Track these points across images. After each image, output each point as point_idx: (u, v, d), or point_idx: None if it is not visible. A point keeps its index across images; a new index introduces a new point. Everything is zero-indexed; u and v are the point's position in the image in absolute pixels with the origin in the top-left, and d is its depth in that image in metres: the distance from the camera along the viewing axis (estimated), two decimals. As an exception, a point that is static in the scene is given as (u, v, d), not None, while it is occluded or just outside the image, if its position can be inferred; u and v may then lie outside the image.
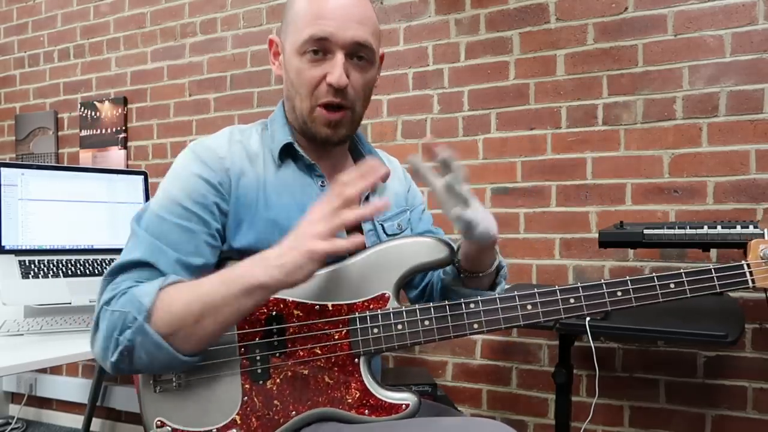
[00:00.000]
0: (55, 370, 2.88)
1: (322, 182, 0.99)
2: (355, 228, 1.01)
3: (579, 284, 0.89)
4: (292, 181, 0.98)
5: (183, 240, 0.88)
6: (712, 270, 0.87)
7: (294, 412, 0.89)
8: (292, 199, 0.95)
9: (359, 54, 0.94)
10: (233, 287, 0.80)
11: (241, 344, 0.89)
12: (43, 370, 2.87)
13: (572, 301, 0.89)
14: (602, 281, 0.89)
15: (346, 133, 0.98)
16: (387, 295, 0.91)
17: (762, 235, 0.88)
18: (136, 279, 0.86)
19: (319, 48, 0.91)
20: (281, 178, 0.97)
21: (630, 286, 0.89)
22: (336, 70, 0.90)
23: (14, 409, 2.97)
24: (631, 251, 1.89)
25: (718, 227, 1.45)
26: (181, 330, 0.81)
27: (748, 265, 0.88)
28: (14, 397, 3.02)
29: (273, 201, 0.94)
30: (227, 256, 0.93)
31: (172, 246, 0.87)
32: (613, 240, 1.58)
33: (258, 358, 0.89)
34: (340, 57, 0.91)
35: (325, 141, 0.97)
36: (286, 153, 0.98)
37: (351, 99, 0.95)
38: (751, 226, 1.43)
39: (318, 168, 1.00)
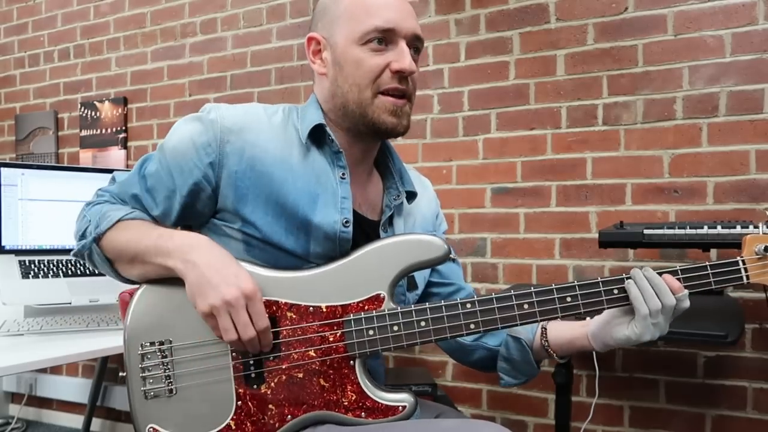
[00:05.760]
0: (55, 370, 2.88)
1: (343, 174, 0.95)
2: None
3: (576, 282, 0.89)
4: (311, 167, 0.94)
5: (157, 187, 0.95)
6: (708, 266, 0.88)
7: (289, 416, 0.88)
8: (305, 187, 0.92)
9: (415, 46, 0.95)
10: (156, 255, 0.87)
11: (233, 348, 0.88)
12: (43, 370, 2.87)
13: (569, 299, 0.88)
14: (599, 279, 0.89)
15: (407, 125, 0.96)
16: (382, 295, 0.89)
17: (756, 231, 0.88)
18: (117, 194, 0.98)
19: (383, 38, 0.92)
20: (300, 161, 0.93)
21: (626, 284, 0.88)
22: (405, 56, 0.91)
23: (14, 409, 2.97)
24: (631, 251, 1.88)
25: (718, 227, 1.45)
26: (118, 262, 0.94)
27: (743, 261, 0.88)
28: (14, 397, 3.02)
29: (287, 184, 0.91)
30: (234, 222, 0.93)
31: (149, 189, 0.95)
32: (613, 240, 1.58)
33: (251, 362, 0.88)
34: (404, 45, 0.92)
35: (390, 132, 0.94)
36: (313, 137, 0.95)
37: (411, 89, 0.95)
38: (751, 226, 1.42)
39: (343, 158, 0.96)
